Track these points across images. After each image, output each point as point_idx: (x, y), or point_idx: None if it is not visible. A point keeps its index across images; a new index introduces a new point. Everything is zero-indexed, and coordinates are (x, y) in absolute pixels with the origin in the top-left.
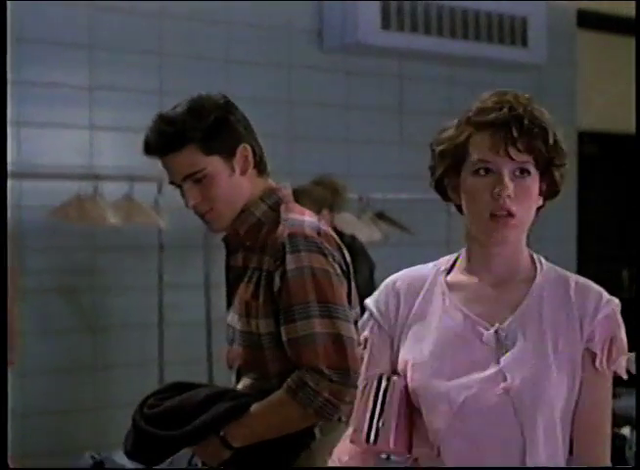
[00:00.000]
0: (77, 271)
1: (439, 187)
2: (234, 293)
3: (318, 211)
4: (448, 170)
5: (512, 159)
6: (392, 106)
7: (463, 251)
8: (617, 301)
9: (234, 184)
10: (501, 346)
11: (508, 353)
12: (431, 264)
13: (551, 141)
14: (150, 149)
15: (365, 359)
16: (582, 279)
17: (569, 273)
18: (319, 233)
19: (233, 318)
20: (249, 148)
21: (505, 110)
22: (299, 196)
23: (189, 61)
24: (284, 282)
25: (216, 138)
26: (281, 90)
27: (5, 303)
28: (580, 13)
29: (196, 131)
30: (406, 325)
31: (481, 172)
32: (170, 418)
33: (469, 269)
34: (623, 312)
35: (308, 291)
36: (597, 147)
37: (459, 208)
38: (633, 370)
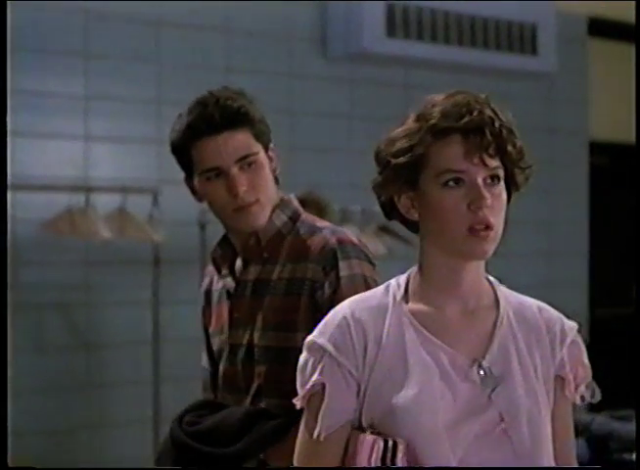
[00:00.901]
0: (71, 286)
1: (387, 203)
2: (242, 309)
3: None
4: (402, 184)
5: (485, 165)
6: (398, 116)
7: (412, 276)
8: (575, 324)
9: (271, 180)
10: (487, 381)
11: (497, 389)
12: (379, 291)
13: (518, 143)
14: (205, 124)
15: (323, 407)
16: (540, 302)
17: (521, 295)
18: (360, 242)
19: (249, 335)
20: (276, 149)
21: (475, 113)
22: None
23: (188, 69)
24: (336, 289)
25: (262, 126)
26: (283, 100)
27: (5, 304)
28: (591, 20)
29: (253, 112)
30: (377, 363)
31: (451, 183)
32: (214, 436)
33: (428, 297)
34: (634, 327)
35: None
36: (609, 158)
37: (411, 225)
38: (588, 396)
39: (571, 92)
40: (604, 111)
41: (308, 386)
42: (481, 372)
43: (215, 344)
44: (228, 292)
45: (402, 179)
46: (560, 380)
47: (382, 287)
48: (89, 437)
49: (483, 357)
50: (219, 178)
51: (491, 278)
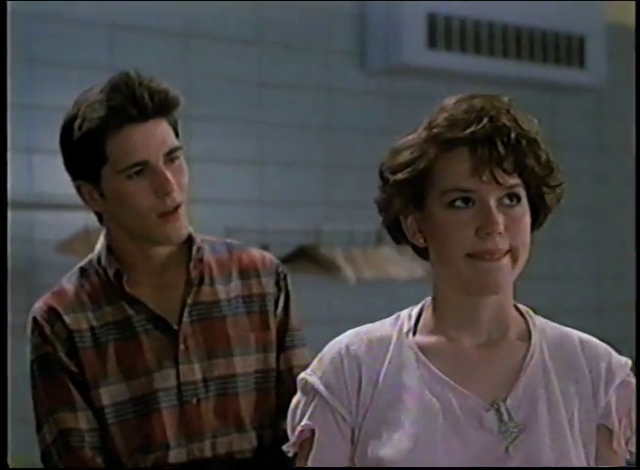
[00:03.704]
0: None
1: (393, 225)
2: (191, 339)
3: None
4: (407, 204)
5: (498, 183)
6: None
7: (426, 305)
8: (628, 360)
9: None
10: (507, 430)
11: (518, 440)
12: (387, 322)
13: (543, 156)
14: (134, 108)
15: (311, 457)
16: (585, 335)
17: (563, 327)
18: None
19: (214, 365)
20: None
21: (485, 120)
22: None
23: (218, 84)
24: (288, 305)
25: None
26: (320, 115)
27: (5, 305)
28: None
29: (180, 98)
30: (372, 407)
31: (459, 203)
32: None
33: (442, 329)
34: None
35: (298, 317)
36: None
37: (420, 251)
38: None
39: (621, 107)
40: None
41: (297, 431)
42: (501, 418)
43: (120, 393)
44: (155, 323)
45: (405, 198)
46: (605, 430)
47: (392, 317)
48: None
49: (505, 399)
50: (142, 176)
51: (522, 307)
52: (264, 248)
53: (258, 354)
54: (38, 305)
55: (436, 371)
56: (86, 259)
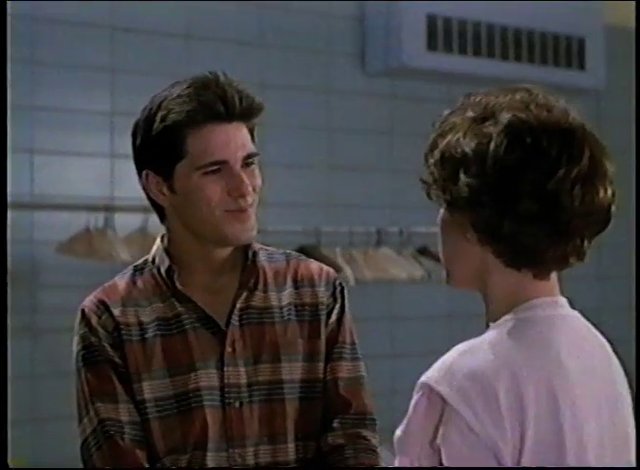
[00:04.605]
0: None
1: None
2: (239, 342)
3: None
4: None
5: None
6: None
7: None
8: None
9: None
10: None
11: None
12: None
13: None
14: (223, 107)
15: None
16: None
17: None
18: None
19: (260, 370)
20: None
21: None
22: None
23: None
24: (342, 317)
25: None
26: (320, 116)
27: (5, 303)
28: None
29: (263, 106)
30: None
31: None
32: None
33: None
34: None
35: (354, 331)
36: None
37: None
38: None
39: (621, 109)
40: None
41: None
42: None
43: (163, 388)
44: (204, 322)
45: None
46: None
47: None
48: None
49: None
50: (218, 175)
51: None
52: None
53: (305, 363)
54: (88, 299)
55: None
56: (141, 260)
